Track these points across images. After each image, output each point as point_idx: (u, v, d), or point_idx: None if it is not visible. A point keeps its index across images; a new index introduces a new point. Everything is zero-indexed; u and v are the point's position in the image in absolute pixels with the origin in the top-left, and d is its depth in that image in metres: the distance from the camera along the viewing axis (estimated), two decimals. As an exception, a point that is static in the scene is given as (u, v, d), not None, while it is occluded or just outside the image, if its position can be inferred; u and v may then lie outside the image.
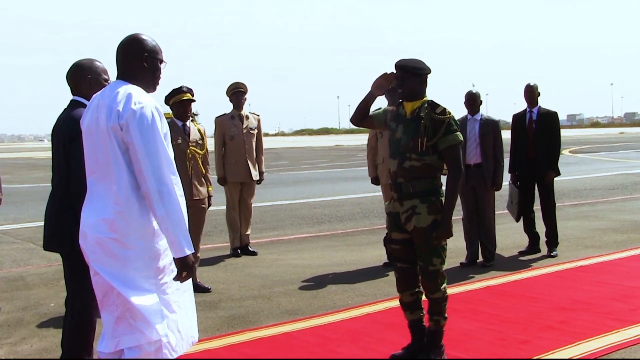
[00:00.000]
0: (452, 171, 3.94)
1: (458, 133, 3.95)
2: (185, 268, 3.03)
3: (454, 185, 3.92)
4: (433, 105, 3.99)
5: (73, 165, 3.47)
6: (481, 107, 7.10)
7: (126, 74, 3.19)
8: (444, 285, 4.03)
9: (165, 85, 3.30)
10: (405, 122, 4.03)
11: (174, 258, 3.05)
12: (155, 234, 3.10)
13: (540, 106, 7.38)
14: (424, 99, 4.02)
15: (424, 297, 4.11)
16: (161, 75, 3.30)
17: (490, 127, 6.93)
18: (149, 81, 3.22)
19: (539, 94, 7.39)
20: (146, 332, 3.08)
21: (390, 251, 4.17)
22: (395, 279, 4.16)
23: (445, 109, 3.97)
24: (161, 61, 3.27)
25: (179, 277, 3.06)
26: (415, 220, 3.94)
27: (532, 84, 7.40)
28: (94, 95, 3.28)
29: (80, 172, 3.43)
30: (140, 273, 3.07)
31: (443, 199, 3.97)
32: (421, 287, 4.11)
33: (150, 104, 3.07)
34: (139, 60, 3.18)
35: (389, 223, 4.13)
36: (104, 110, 3.07)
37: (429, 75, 4.04)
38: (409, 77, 3.97)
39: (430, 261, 3.95)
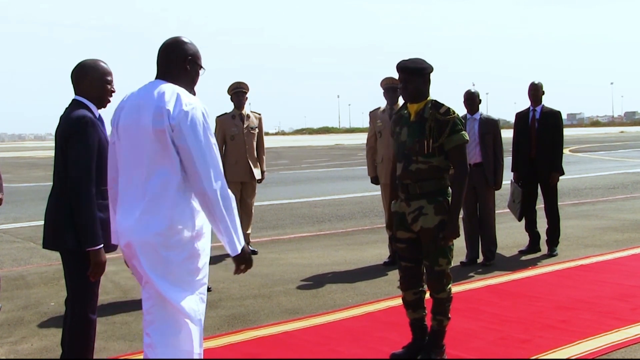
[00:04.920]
0: (458, 171, 3.92)
1: (464, 132, 3.93)
2: (243, 262, 3.09)
3: (460, 186, 3.91)
4: (437, 105, 3.96)
5: (70, 163, 3.47)
6: (481, 106, 7.10)
7: (167, 74, 3.16)
8: (450, 285, 4.02)
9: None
10: (409, 124, 4.00)
11: (232, 256, 3.06)
12: (196, 235, 3.09)
13: (544, 105, 7.37)
14: (428, 99, 3.99)
15: (427, 296, 4.10)
16: (198, 81, 3.28)
17: (490, 126, 6.93)
18: (188, 84, 3.19)
19: (543, 93, 7.38)
20: (185, 347, 3.09)
21: (395, 249, 4.17)
22: (399, 277, 4.16)
23: (449, 108, 3.94)
24: (201, 67, 3.27)
25: (238, 271, 3.13)
26: (422, 221, 3.93)
27: (536, 82, 7.39)
28: (129, 94, 3.22)
29: (78, 171, 3.42)
30: (180, 276, 3.06)
31: (450, 199, 3.96)
32: (425, 287, 4.11)
33: (200, 105, 3.06)
34: (182, 62, 3.17)
35: (395, 222, 4.11)
36: (147, 110, 3.03)
37: (431, 73, 4.01)
38: (412, 78, 3.93)
39: (437, 261, 3.95)
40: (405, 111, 4.07)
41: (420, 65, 3.95)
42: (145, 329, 3.12)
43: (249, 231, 7.91)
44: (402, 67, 3.95)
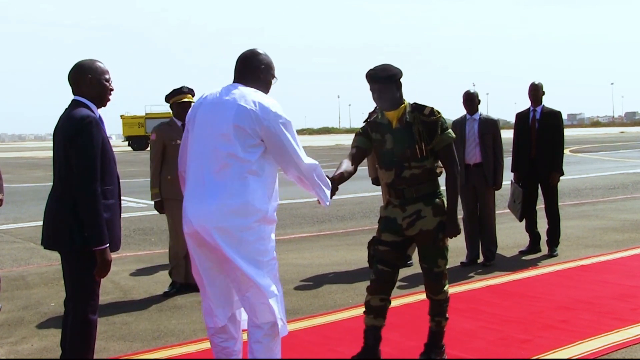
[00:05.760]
0: (450, 169, 3.88)
1: (450, 130, 3.89)
2: (334, 193, 3.76)
3: (454, 183, 3.88)
4: (419, 107, 3.90)
5: (75, 163, 3.45)
6: (482, 106, 7.10)
7: (243, 80, 3.54)
8: (447, 286, 4.00)
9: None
10: (393, 131, 3.90)
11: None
12: (267, 220, 3.42)
13: (544, 105, 7.37)
14: (405, 103, 3.92)
15: (424, 297, 4.09)
16: (270, 89, 3.64)
17: (490, 127, 6.92)
18: (262, 90, 3.53)
19: (543, 93, 7.38)
20: (268, 313, 3.39)
21: (373, 253, 4.04)
22: (370, 281, 4.01)
23: (432, 108, 3.88)
24: (273, 76, 3.64)
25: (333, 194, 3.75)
26: (421, 224, 3.88)
27: (536, 82, 7.38)
28: (207, 93, 3.55)
29: (83, 170, 3.41)
30: (253, 255, 3.36)
31: (444, 199, 3.95)
32: (390, 296, 4.01)
33: (278, 104, 3.45)
34: (256, 70, 3.56)
35: (382, 225, 4.02)
36: (229, 108, 3.37)
37: (401, 78, 3.90)
38: (387, 87, 3.83)
39: (436, 263, 3.92)
40: (381, 118, 3.97)
41: (392, 72, 3.85)
42: (239, 297, 3.45)
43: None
44: (375, 77, 3.85)
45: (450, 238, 3.91)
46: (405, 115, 3.88)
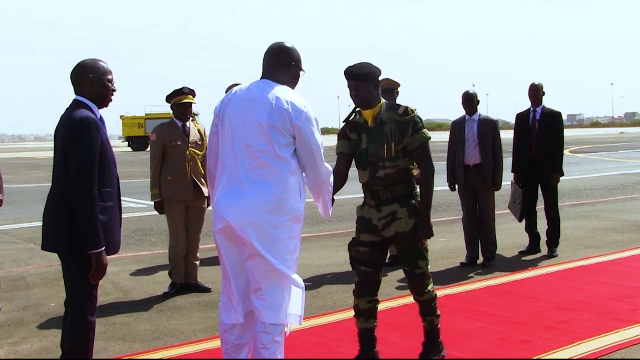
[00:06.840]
0: (424, 170, 3.83)
1: (424, 130, 3.85)
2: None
3: (429, 185, 3.83)
4: (394, 106, 3.88)
5: (72, 165, 3.44)
6: (482, 107, 7.10)
7: (272, 75, 3.54)
8: (431, 285, 3.98)
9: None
10: (368, 130, 3.89)
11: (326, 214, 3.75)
12: (298, 219, 3.52)
13: (544, 106, 7.36)
14: (381, 102, 3.90)
15: (412, 300, 4.05)
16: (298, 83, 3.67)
17: (489, 127, 6.92)
18: (290, 85, 3.56)
19: (543, 94, 7.38)
20: (281, 312, 3.49)
21: (354, 255, 4.01)
22: (355, 283, 3.95)
23: (406, 108, 3.86)
24: (301, 69, 3.65)
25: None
26: (397, 226, 3.85)
27: (536, 83, 7.38)
28: (236, 89, 3.57)
29: (80, 172, 3.40)
30: (283, 253, 3.43)
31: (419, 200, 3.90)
32: (377, 296, 3.97)
33: (308, 104, 3.48)
34: (286, 67, 3.57)
35: (359, 226, 4.00)
36: (262, 106, 3.40)
37: (379, 77, 3.88)
38: (363, 84, 3.81)
39: (417, 264, 3.90)
40: (359, 117, 3.95)
41: (369, 69, 3.82)
42: (252, 295, 3.47)
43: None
44: (352, 74, 3.83)
45: (423, 240, 3.87)
46: (380, 114, 3.87)
